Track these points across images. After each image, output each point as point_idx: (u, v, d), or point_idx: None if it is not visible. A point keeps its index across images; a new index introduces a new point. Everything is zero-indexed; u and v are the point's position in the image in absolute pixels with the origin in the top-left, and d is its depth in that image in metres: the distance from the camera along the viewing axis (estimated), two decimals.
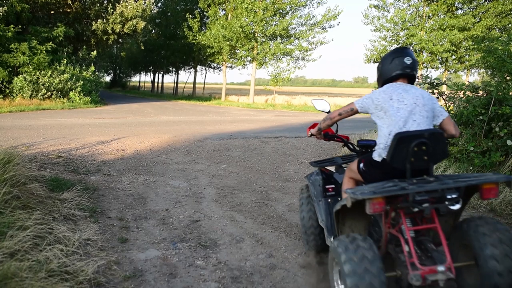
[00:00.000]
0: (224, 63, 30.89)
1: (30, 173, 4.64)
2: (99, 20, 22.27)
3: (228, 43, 26.84)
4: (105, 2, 23.02)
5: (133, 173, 6.22)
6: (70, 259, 2.89)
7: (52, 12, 21.90)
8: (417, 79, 6.98)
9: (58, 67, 19.26)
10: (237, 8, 26.60)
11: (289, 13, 27.70)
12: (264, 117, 17.85)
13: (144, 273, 3.05)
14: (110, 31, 22.83)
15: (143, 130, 10.80)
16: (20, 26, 18.53)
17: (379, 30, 30.94)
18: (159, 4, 35.88)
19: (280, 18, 26.99)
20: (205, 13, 30.59)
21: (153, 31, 35.35)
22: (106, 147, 7.98)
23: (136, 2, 23.31)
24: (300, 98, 31.88)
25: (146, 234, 3.82)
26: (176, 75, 43.46)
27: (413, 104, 2.74)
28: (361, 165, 2.89)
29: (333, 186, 3.45)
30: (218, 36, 26.72)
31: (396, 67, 2.87)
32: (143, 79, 60.64)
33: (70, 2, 21.10)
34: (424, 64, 30.22)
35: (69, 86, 19.57)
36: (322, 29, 27.81)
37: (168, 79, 62.08)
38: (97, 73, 25.39)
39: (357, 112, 2.95)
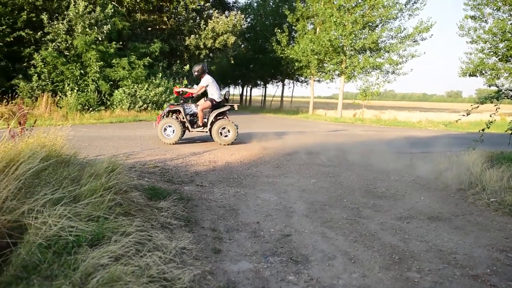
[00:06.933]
0: (312, 76, 30.88)
1: (130, 181, 4.89)
2: (192, 35, 23.29)
3: (316, 57, 26.80)
4: (198, 18, 24.00)
5: (225, 184, 6.35)
6: (168, 266, 2.98)
7: (150, 29, 23.28)
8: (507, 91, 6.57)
9: (153, 80, 20.33)
10: (325, 22, 26.50)
11: (379, 26, 27.04)
12: (353, 132, 17.52)
13: (237, 285, 3.07)
14: (202, 46, 23.77)
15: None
16: (121, 43, 19.85)
17: (475, 42, 29.29)
18: (249, 19, 36.78)
19: (370, 31, 26.42)
20: (293, 27, 30.86)
21: (243, 45, 36.22)
22: (198, 158, 8.24)
23: (227, 18, 24.09)
24: (389, 112, 30.96)
25: (238, 246, 3.86)
26: (264, 88, 44.15)
27: (215, 82, 10.36)
28: (213, 102, 10.22)
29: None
30: (306, 50, 26.77)
31: (206, 69, 10.41)
32: (232, 92, 62.13)
33: (166, 20, 22.31)
34: None
35: (163, 98, 20.57)
36: (414, 41, 26.80)
37: (256, 92, 63.11)
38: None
39: (204, 87, 10.20)
